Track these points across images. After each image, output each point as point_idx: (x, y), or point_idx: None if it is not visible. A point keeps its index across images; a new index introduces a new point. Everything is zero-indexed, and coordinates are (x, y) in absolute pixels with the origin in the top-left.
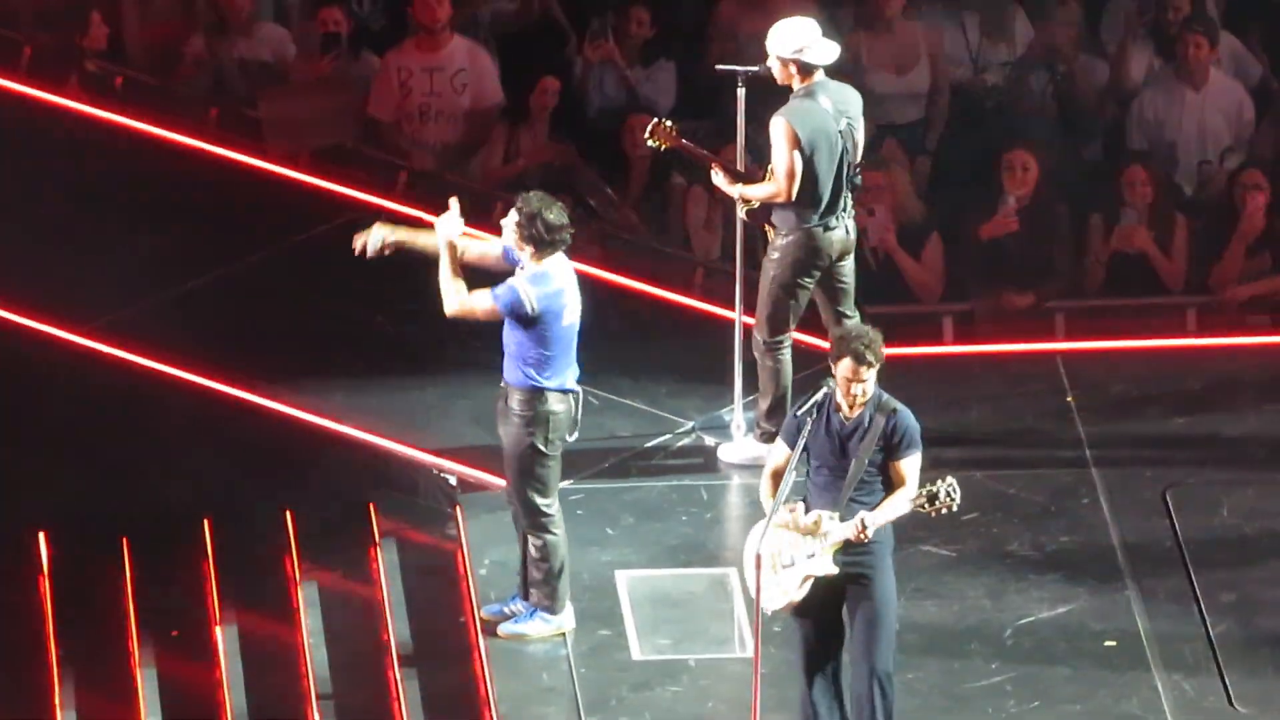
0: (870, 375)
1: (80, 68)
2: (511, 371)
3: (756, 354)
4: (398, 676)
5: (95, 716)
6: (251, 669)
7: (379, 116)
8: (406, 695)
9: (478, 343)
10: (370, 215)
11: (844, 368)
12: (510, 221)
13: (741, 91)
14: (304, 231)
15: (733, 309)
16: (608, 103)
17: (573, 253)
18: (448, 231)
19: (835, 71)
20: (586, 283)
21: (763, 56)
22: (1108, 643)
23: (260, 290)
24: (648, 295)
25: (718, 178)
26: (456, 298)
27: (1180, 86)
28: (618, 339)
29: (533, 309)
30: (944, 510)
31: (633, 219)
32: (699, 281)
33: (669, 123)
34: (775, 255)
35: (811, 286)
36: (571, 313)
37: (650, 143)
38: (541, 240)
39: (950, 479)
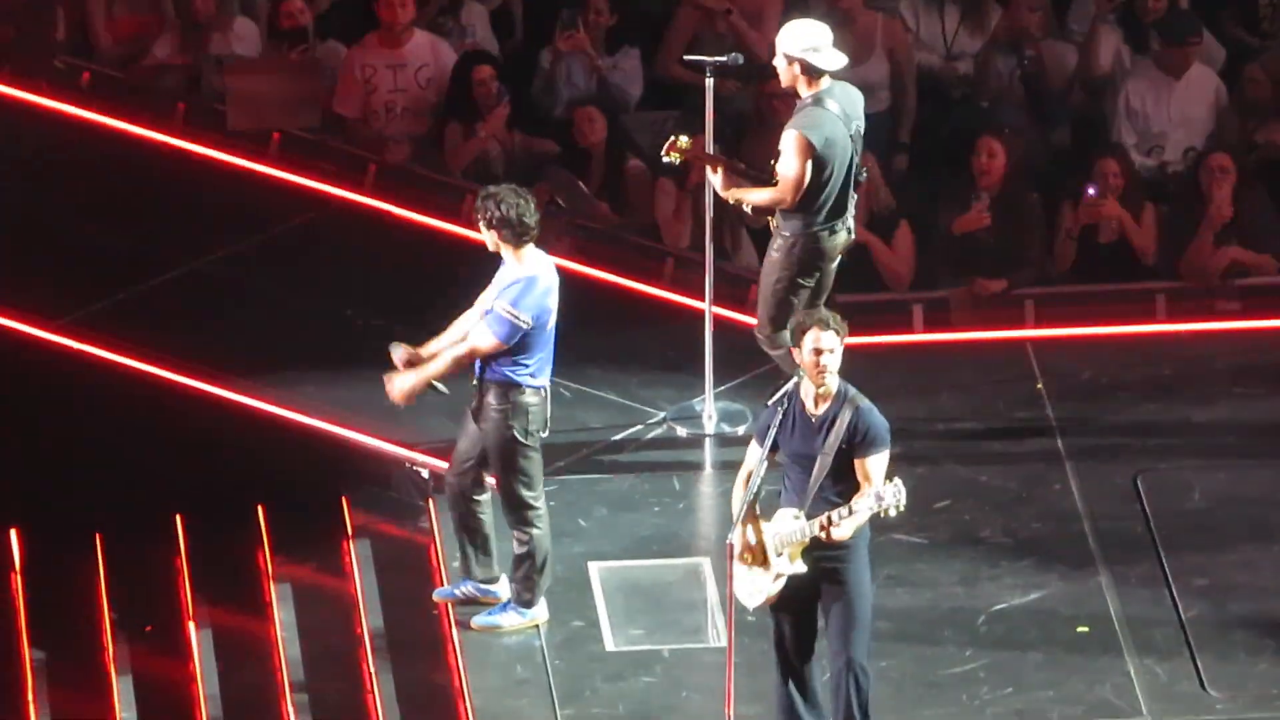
0: (838, 345)
1: (48, 63)
2: (486, 368)
3: (764, 348)
4: (372, 670)
5: (69, 713)
6: (225, 664)
7: (344, 113)
8: (381, 688)
9: None
10: (336, 210)
11: (810, 339)
12: (484, 222)
13: (710, 82)
14: (274, 226)
15: (703, 299)
16: (577, 94)
17: (543, 245)
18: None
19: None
20: (557, 274)
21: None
22: (1080, 628)
23: (231, 285)
24: (618, 286)
25: (716, 180)
26: (458, 359)
27: (1163, 76)
28: (588, 330)
29: (529, 324)
30: (890, 511)
31: (603, 210)
32: (669, 272)
33: (684, 138)
34: (777, 256)
35: (812, 285)
36: (554, 313)
37: (667, 159)
38: (523, 229)
39: (896, 480)
